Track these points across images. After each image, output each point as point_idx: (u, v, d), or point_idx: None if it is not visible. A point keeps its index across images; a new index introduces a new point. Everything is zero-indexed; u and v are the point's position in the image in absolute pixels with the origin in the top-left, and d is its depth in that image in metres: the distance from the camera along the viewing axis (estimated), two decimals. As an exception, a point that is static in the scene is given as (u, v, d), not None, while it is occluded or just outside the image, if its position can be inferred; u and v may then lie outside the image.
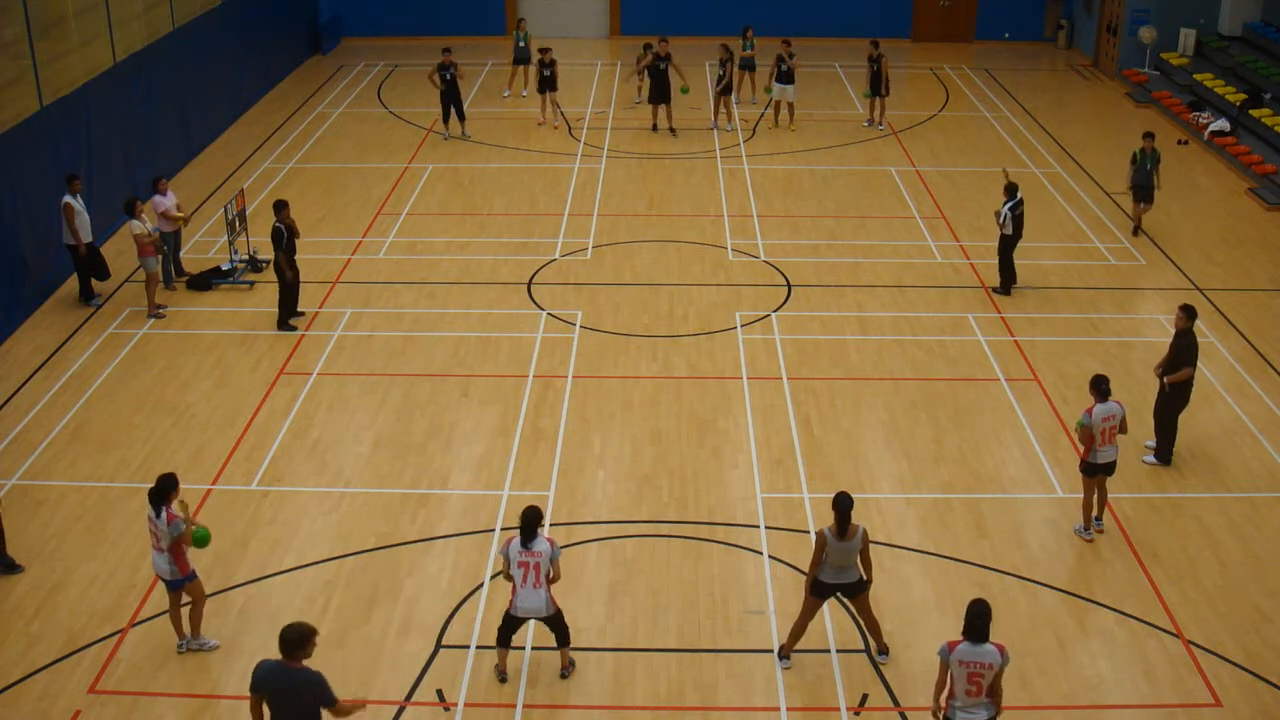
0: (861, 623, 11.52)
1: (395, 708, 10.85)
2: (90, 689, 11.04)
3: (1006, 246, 18.71)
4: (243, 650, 11.50)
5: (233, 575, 12.52)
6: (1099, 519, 13.17)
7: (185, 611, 11.50)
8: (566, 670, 11.17)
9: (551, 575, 10.68)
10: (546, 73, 26.47)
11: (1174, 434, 14.46)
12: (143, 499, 13.58)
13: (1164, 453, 14.47)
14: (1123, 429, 12.91)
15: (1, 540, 12.47)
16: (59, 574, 12.57)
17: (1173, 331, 14.49)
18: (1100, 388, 12.80)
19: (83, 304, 18.34)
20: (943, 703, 9.65)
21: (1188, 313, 14.24)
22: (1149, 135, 20.77)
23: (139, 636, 11.70)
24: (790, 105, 27.00)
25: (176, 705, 10.89)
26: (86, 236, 17.96)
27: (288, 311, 17.61)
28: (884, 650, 11.37)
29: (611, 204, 22.60)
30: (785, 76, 26.41)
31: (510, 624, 10.92)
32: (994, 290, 18.89)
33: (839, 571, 10.90)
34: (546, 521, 13.37)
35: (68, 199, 17.77)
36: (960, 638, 9.46)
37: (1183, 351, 14.12)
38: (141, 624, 11.86)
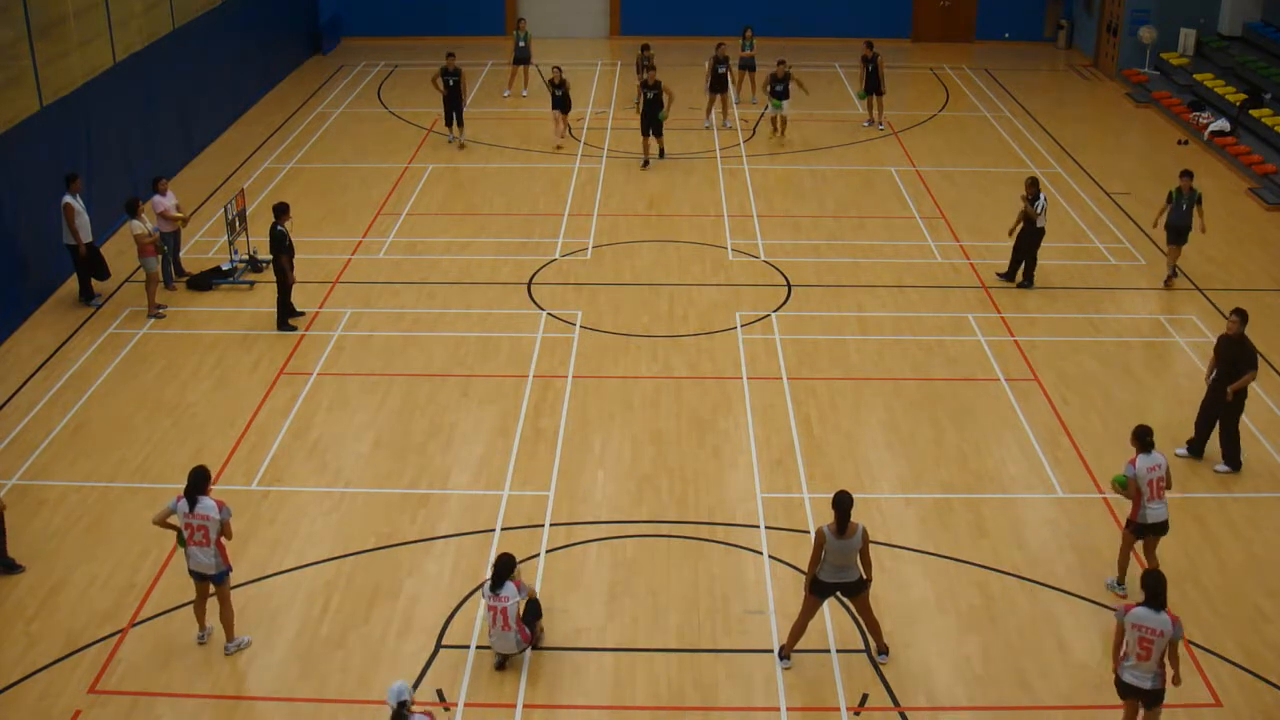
0: (861, 622, 11.52)
1: (395, 708, 10.85)
2: (90, 689, 11.04)
3: (1039, 240, 18.88)
4: (242, 650, 11.51)
5: (233, 575, 12.48)
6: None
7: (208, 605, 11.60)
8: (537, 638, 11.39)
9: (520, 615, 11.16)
10: (558, 93, 25.29)
11: (1238, 436, 14.38)
12: (143, 499, 13.65)
13: (1233, 459, 14.38)
14: (1168, 484, 11.98)
15: (3, 540, 12.47)
16: (59, 574, 12.57)
17: (1219, 337, 14.36)
18: (1144, 439, 11.85)
19: (83, 304, 18.32)
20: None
21: (1241, 317, 14.09)
22: (1187, 174, 19.00)
23: (139, 636, 11.69)
24: (784, 120, 26.22)
25: (176, 705, 10.89)
26: (86, 236, 17.95)
27: (286, 312, 17.61)
28: (884, 650, 11.37)
29: (611, 204, 22.60)
30: (781, 94, 25.60)
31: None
32: (1020, 285, 19.04)
33: (839, 570, 10.90)
34: (546, 521, 13.39)
35: (68, 199, 17.75)
36: (1138, 603, 9.70)
37: (1245, 358, 14.04)
38: (141, 624, 11.86)
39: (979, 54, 34.54)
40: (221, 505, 11.20)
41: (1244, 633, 11.78)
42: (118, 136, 21.29)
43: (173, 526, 11.33)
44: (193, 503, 11.12)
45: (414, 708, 9.23)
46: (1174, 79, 29.82)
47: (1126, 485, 11.91)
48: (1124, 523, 12.24)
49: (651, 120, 24.14)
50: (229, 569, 11.38)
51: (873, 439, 15.02)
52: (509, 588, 10.98)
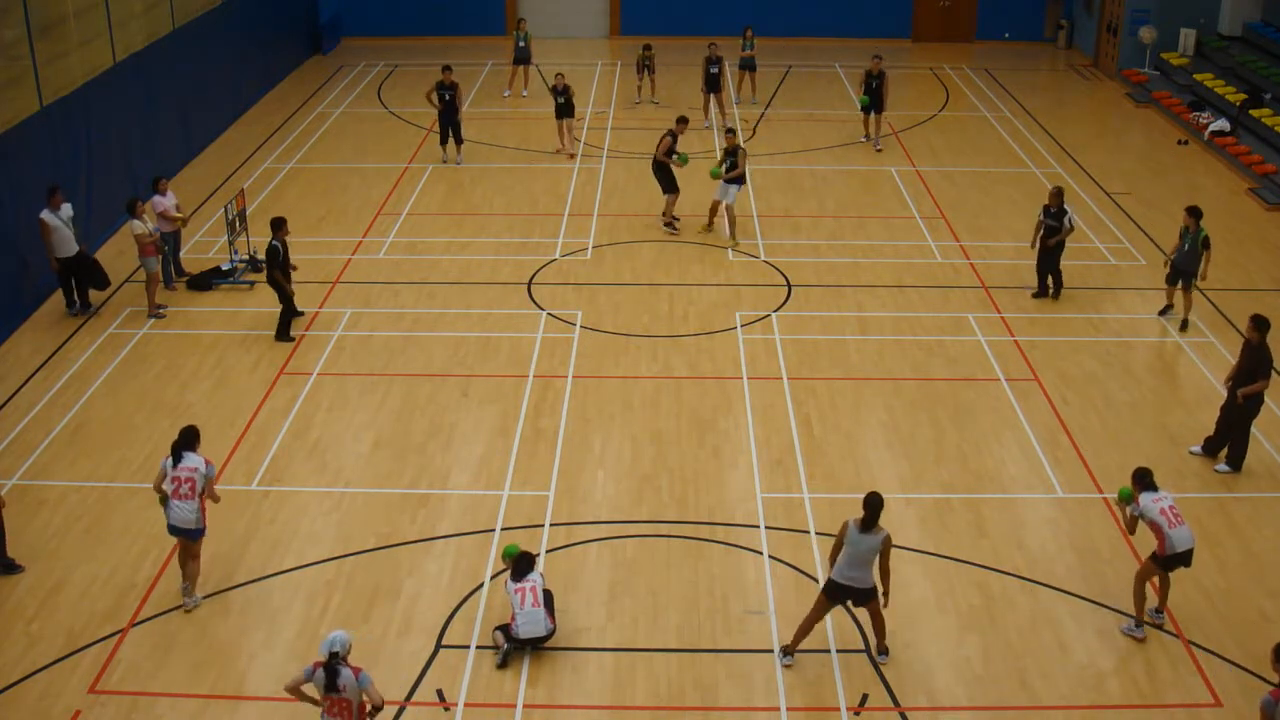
0: (867, 621, 11.52)
1: (395, 708, 10.84)
2: (90, 689, 11.04)
3: (1060, 252, 18.35)
4: (242, 650, 11.52)
5: (233, 575, 12.52)
6: (1160, 610, 11.92)
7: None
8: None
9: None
10: (561, 100, 24.79)
11: (1246, 441, 14.32)
12: (143, 499, 13.66)
13: (1236, 460, 14.34)
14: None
15: (2, 540, 12.47)
16: (59, 574, 12.57)
17: (1243, 341, 14.33)
18: (1144, 481, 11.60)
19: (69, 314, 17.87)
20: None
21: (1259, 326, 14.02)
22: (1192, 212, 17.27)
23: (139, 636, 11.70)
24: (731, 214, 20.68)
25: (176, 705, 10.89)
26: (68, 250, 17.42)
27: (288, 322, 17.32)
28: (884, 650, 11.37)
29: (612, 204, 22.59)
30: (732, 169, 20.33)
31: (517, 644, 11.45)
32: (1038, 296, 18.63)
33: (853, 567, 10.88)
34: (546, 521, 13.39)
35: (44, 215, 17.25)
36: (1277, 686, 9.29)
37: (1260, 365, 13.99)
38: (141, 624, 11.86)
39: (979, 54, 34.53)
40: (208, 462, 11.81)
41: (1245, 633, 11.78)
42: (118, 136, 21.29)
43: (164, 493, 11.81)
44: (178, 458, 11.72)
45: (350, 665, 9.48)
46: (1174, 79, 29.82)
47: (1129, 499, 11.68)
48: (1150, 555, 11.74)
49: (670, 179, 21.02)
50: (204, 529, 11.91)
51: (873, 439, 15.02)
52: (534, 575, 11.39)
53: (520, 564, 11.39)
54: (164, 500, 11.75)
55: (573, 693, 11.06)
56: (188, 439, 11.85)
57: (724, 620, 11.92)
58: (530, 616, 11.20)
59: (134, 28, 22.47)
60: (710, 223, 21.08)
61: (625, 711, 10.88)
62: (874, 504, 10.87)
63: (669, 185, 21.05)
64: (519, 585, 11.29)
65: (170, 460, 11.74)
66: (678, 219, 21.30)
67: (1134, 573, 12.16)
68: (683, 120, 21.45)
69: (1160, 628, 11.86)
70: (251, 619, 11.92)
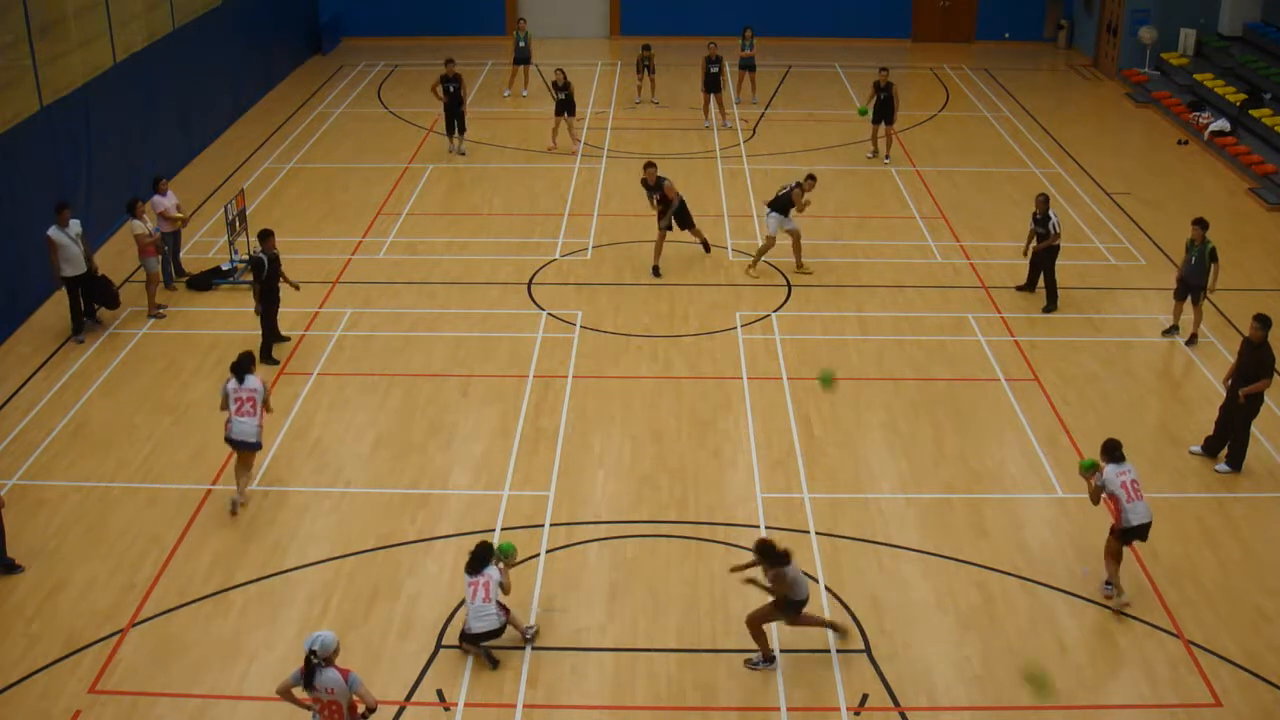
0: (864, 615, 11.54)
1: (395, 708, 10.85)
2: (90, 689, 11.04)
3: (1055, 256, 18.22)
4: (242, 651, 11.52)
5: (233, 575, 12.52)
6: (1110, 583, 12.17)
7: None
8: (527, 632, 11.56)
9: (505, 589, 11.41)
10: (561, 96, 24.79)
11: (1246, 440, 14.29)
12: (143, 499, 13.71)
13: (1236, 460, 14.31)
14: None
15: (2, 540, 12.47)
16: (59, 574, 12.57)
17: (1242, 339, 14.32)
18: (1112, 452, 11.92)
19: (73, 339, 17.30)
20: None
21: (1263, 324, 14.01)
22: (1198, 224, 16.86)
23: (139, 636, 11.70)
24: (797, 236, 19.46)
25: (177, 705, 10.89)
26: (76, 269, 17.06)
27: (271, 340, 16.77)
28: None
29: (612, 204, 22.59)
30: (782, 204, 19.22)
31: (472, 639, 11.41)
32: (1022, 289, 18.67)
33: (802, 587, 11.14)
34: (546, 521, 13.39)
35: (52, 232, 16.89)
36: None
37: (1262, 364, 13.96)
38: (141, 624, 11.86)
39: (979, 54, 34.53)
40: (262, 382, 13.45)
41: (1244, 633, 11.79)
42: (118, 136, 21.29)
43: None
44: (241, 378, 13.27)
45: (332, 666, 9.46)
46: (1174, 79, 29.82)
47: (1093, 469, 11.99)
48: (1109, 530, 12.13)
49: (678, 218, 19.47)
50: (261, 444, 13.50)
51: (873, 439, 15.02)
52: (490, 569, 11.23)
53: (476, 557, 11.24)
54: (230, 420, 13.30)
55: (573, 693, 11.06)
56: (247, 362, 13.34)
57: (724, 620, 11.92)
58: (480, 611, 11.12)
59: (134, 28, 22.47)
60: (797, 263, 19.50)
61: (625, 711, 10.88)
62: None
63: (669, 222, 19.40)
64: (473, 579, 11.17)
65: (234, 381, 13.25)
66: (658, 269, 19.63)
67: (1133, 571, 12.33)
68: (648, 181, 19.39)
69: (1111, 604, 12.04)
70: (251, 619, 11.92)
